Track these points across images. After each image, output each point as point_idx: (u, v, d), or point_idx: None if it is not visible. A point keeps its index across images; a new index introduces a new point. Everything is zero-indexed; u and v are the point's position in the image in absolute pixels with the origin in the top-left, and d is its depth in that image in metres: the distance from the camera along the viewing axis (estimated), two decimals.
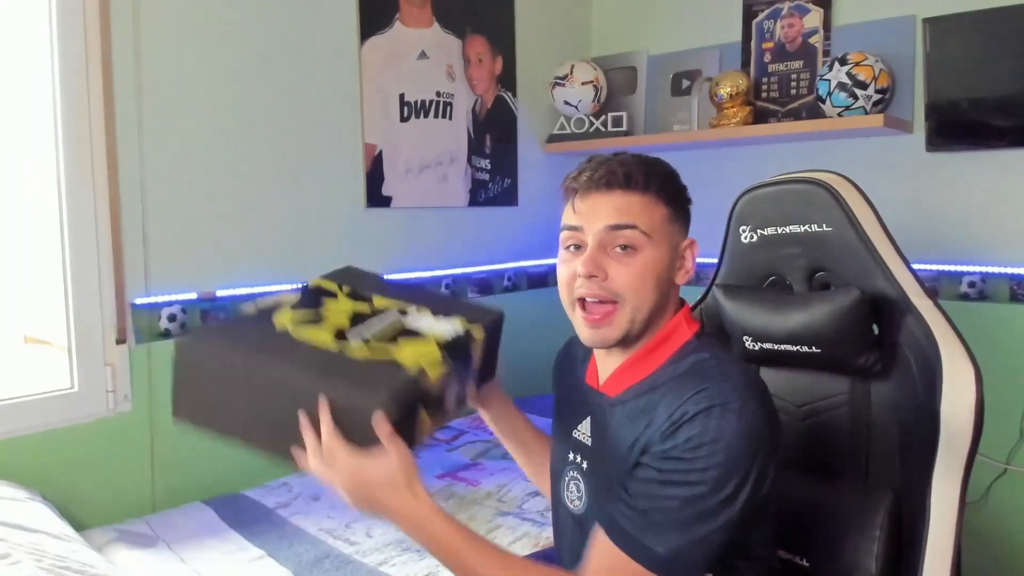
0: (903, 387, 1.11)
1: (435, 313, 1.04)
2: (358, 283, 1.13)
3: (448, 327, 1.02)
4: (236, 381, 0.89)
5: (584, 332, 0.98)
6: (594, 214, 0.95)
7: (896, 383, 1.12)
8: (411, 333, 0.99)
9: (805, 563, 1.14)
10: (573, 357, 1.17)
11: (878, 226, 1.17)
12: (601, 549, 0.90)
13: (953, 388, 1.02)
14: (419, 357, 0.92)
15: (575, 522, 1.07)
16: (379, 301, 1.07)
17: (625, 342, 0.97)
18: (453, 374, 0.97)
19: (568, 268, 0.98)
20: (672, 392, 0.93)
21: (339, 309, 1.03)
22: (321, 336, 0.93)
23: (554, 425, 1.17)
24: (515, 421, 1.22)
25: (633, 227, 0.94)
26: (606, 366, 1.03)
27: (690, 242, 1.01)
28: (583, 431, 1.06)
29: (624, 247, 0.94)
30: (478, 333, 1.04)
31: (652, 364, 0.99)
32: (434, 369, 0.92)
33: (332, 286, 1.10)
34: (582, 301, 0.96)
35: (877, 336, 1.15)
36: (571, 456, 1.07)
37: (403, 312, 1.05)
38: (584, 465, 1.05)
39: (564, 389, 1.17)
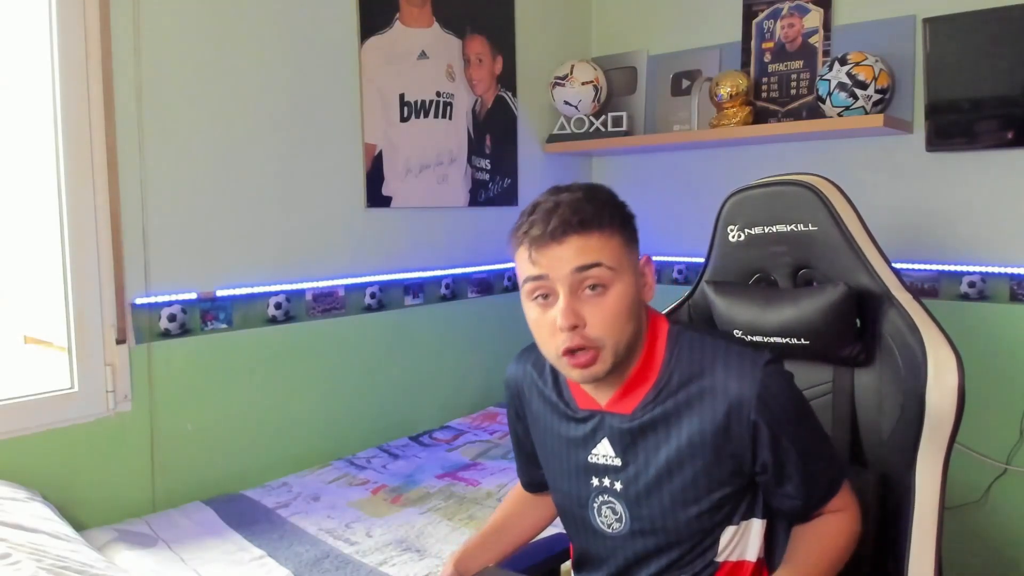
0: (887, 375, 1.17)
1: None
2: None
3: None
4: None
5: (574, 374, 0.99)
6: (557, 261, 0.94)
7: (879, 371, 1.19)
8: None
9: None
10: (540, 387, 1.13)
11: (860, 226, 1.23)
12: (829, 513, 1.04)
13: (937, 374, 1.09)
14: None
15: (618, 543, 1.07)
16: None
17: (615, 370, 0.99)
18: None
19: (544, 320, 0.97)
20: (703, 384, 1.00)
21: None
22: None
23: (546, 455, 1.14)
24: (503, 554, 1.22)
25: (599, 264, 0.94)
26: (603, 389, 1.04)
27: (646, 259, 1.03)
28: (602, 454, 1.05)
29: (594, 287, 0.95)
30: None
31: (654, 368, 1.02)
32: None
33: None
34: (568, 351, 0.96)
35: (860, 328, 1.22)
36: (596, 482, 1.06)
37: None
38: (617, 486, 1.04)
39: (544, 417, 1.13)
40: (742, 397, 0.97)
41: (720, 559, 1.03)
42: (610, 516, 1.06)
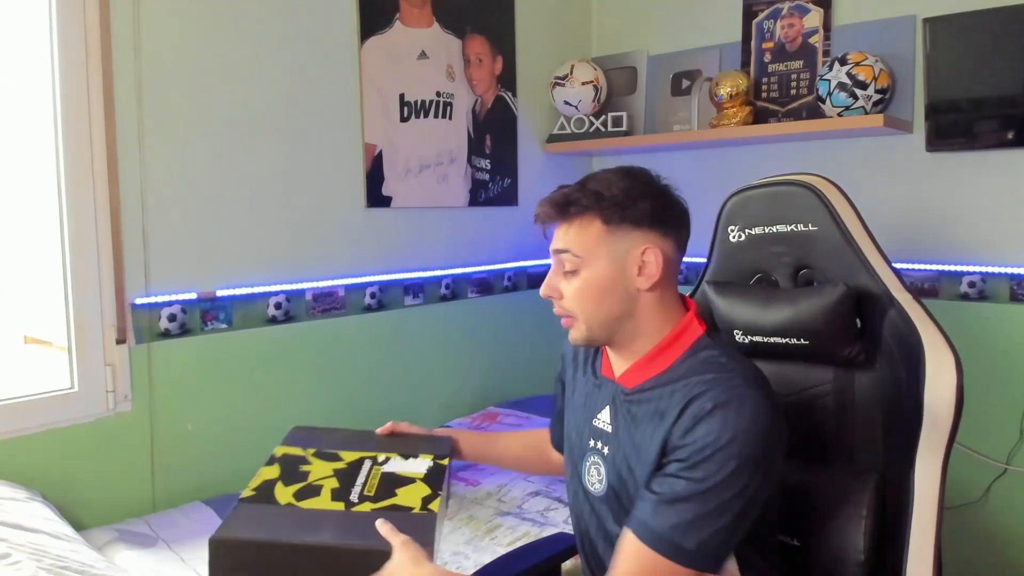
0: (886, 376, 1.17)
1: (403, 456, 1.23)
2: (317, 443, 1.27)
3: (421, 465, 1.21)
4: (274, 565, 1.00)
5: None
6: (551, 241, 1.10)
7: (879, 372, 1.18)
8: (395, 479, 1.16)
9: (796, 543, 1.21)
10: (584, 355, 1.24)
11: (860, 226, 1.23)
12: (632, 551, 0.96)
13: (935, 375, 1.09)
14: (418, 498, 1.11)
15: (594, 503, 1.14)
16: (347, 455, 1.23)
17: (595, 343, 1.11)
18: (443, 498, 1.15)
19: None
20: (686, 386, 1.00)
21: (320, 472, 1.18)
22: (324, 503, 1.09)
23: (569, 412, 1.23)
24: (480, 455, 1.39)
25: (566, 251, 1.06)
26: (620, 362, 1.12)
27: (643, 249, 1.04)
28: (603, 419, 1.12)
29: (568, 268, 1.07)
30: (444, 461, 1.22)
31: (667, 360, 1.06)
32: (434, 504, 1.09)
33: (297, 451, 1.24)
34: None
35: (860, 329, 1.21)
36: (592, 443, 1.14)
37: (375, 461, 1.21)
38: (605, 451, 1.11)
39: (580, 378, 1.22)
40: (691, 402, 0.97)
41: None
42: (595, 476, 1.12)
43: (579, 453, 1.17)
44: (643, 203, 1.05)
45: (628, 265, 1.04)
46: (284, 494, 1.13)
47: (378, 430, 1.30)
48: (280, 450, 1.24)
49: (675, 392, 1.01)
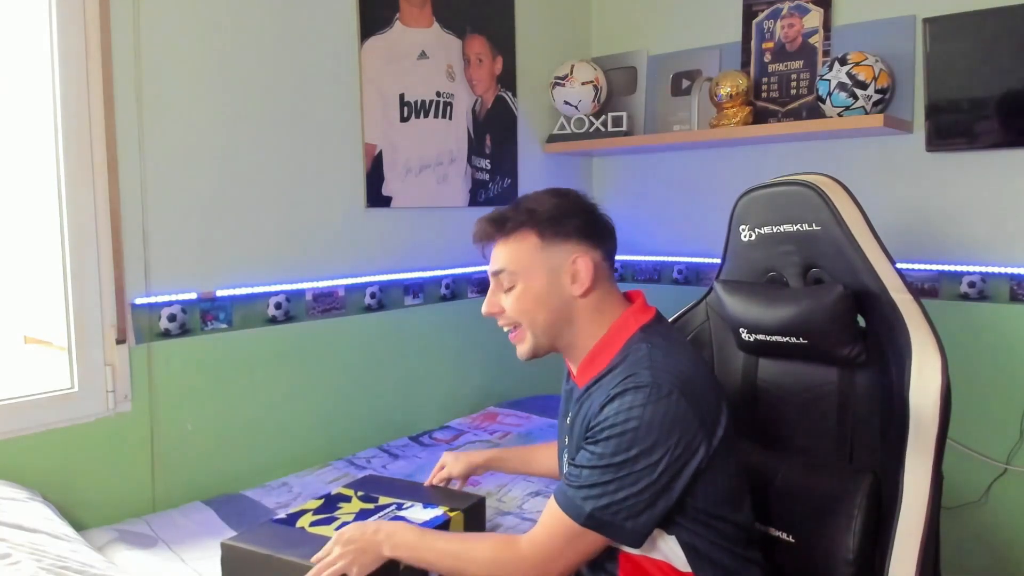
0: (881, 376, 1.18)
1: (425, 505, 1.39)
2: (369, 488, 1.50)
3: (430, 514, 1.35)
4: (268, 568, 1.23)
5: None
6: (488, 263, 1.21)
7: (876, 372, 1.20)
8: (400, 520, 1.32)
9: (791, 539, 1.23)
10: None
11: (864, 225, 1.23)
12: (549, 508, 1.09)
13: (920, 375, 1.10)
14: None
15: None
16: (384, 500, 1.43)
17: (540, 352, 1.19)
18: None
19: None
20: (609, 380, 1.10)
21: (348, 510, 1.39)
22: (327, 531, 1.28)
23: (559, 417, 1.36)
24: (514, 467, 1.57)
25: (502, 271, 1.18)
26: (574, 366, 1.22)
27: (574, 258, 1.15)
28: (569, 417, 1.23)
29: (506, 285, 1.18)
30: (457, 516, 1.37)
31: (606, 359, 1.14)
32: None
33: (349, 492, 1.47)
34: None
35: (864, 329, 1.22)
36: (564, 439, 1.25)
37: (400, 506, 1.39)
38: (567, 441, 1.23)
39: (564, 384, 1.32)
40: (611, 391, 1.06)
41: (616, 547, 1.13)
42: (564, 467, 1.22)
43: (559, 450, 1.30)
44: (573, 219, 1.16)
45: (562, 275, 1.15)
46: (305, 520, 1.34)
47: (426, 482, 1.53)
48: (337, 489, 1.49)
49: (604, 385, 1.10)
